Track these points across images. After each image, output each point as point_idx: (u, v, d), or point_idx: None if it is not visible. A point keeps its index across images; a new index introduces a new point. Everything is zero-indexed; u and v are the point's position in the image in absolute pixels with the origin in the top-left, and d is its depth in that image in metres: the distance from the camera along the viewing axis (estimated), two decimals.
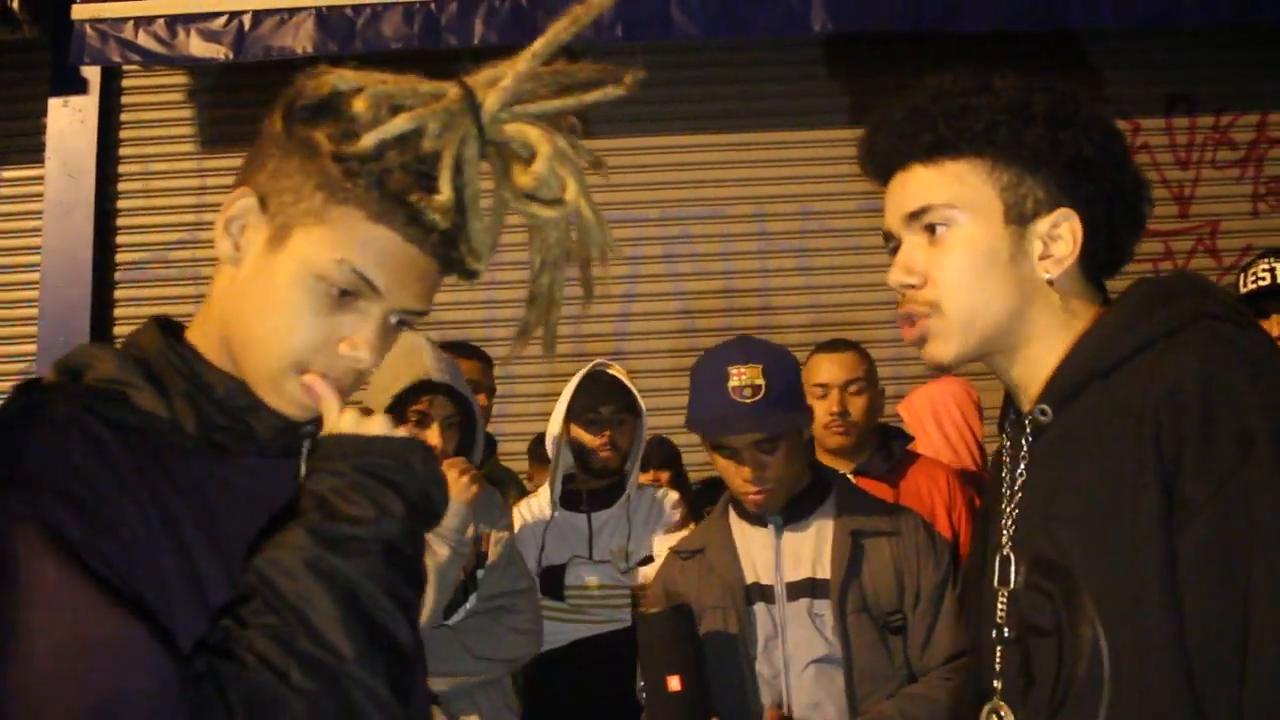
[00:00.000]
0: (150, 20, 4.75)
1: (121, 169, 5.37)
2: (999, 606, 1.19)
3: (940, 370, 1.24)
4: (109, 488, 0.94)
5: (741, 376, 2.13)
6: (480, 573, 2.60)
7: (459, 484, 2.46)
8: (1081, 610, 1.08)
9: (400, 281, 1.03)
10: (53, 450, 0.94)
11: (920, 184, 1.20)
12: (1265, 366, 1.04)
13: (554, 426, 3.10)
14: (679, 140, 5.35)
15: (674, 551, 2.40)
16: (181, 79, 5.39)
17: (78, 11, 4.76)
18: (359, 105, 1.00)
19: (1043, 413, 1.18)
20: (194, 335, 1.10)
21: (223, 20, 4.72)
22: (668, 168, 5.34)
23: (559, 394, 3.16)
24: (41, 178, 5.27)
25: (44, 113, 5.27)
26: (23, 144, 5.33)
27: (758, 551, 2.25)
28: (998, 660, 1.19)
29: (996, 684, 1.19)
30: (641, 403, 3.11)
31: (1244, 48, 5.20)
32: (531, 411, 4.71)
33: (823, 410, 2.91)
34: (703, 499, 3.34)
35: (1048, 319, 1.18)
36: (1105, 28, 4.84)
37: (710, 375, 2.21)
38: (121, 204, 5.36)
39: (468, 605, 2.58)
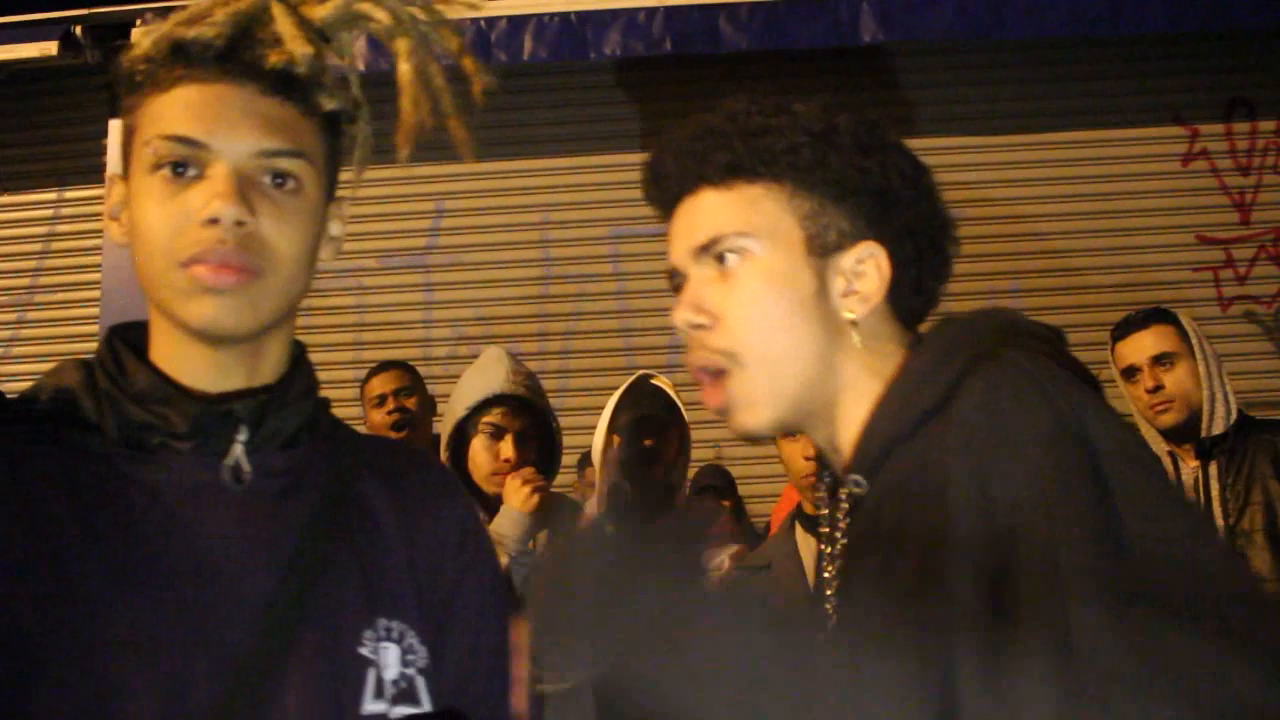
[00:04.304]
0: None
1: None
2: None
3: (749, 441, 1.07)
4: None
5: None
6: None
7: (521, 493, 2.46)
8: None
9: (220, 123, 0.98)
10: None
11: (710, 210, 1.06)
12: (1051, 392, 0.91)
13: (599, 439, 3.10)
14: None
15: (740, 566, 2.40)
16: None
17: (137, 35, 4.85)
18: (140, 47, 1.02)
19: (857, 483, 1.02)
20: (152, 328, 1.05)
21: None
22: None
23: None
24: (102, 198, 5.37)
25: (104, 134, 5.37)
26: (84, 165, 5.43)
27: None
28: None
29: None
30: (685, 413, 3.09)
31: None
32: (582, 425, 4.71)
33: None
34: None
35: (854, 366, 1.04)
36: (1162, 31, 4.76)
37: None
38: None
39: None
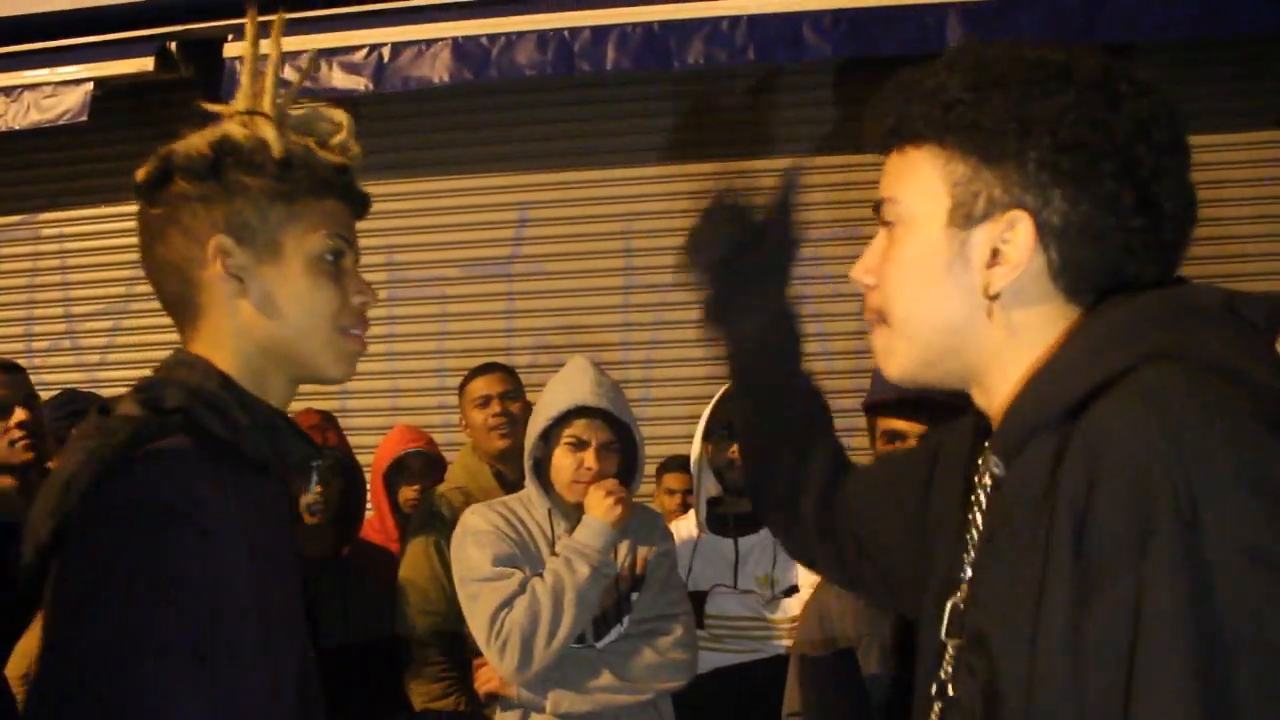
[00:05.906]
0: (295, 54, 4.90)
1: None
2: (947, 659, 1.02)
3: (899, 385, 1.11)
4: (224, 516, 1.15)
5: None
6: (635, 595, 2.58)
7: (604, 504, 2.46)
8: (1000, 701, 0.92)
9: (351, 233, 1.34)
10: (182, 482, 1.13)
11: (885, 173, 1.08)
12: (1203, 432, 0.82)
13: (695, 448, 3.09)
14: (807, 162, 5.29)
15: None
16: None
17: (229, 49, 4.96)
18: (242, 140, 1.29)
19: (996, 465, 1.01)
20: (227, 369, 1.28)
21: (363, 52, 4.85)
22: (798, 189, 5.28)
23: (690, 416, 3.15)
24: None
25: None
26: None
27: None
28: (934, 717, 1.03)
29: None
30: None
31: None
32: (664, 434, 4.70)
33: None
34: None
35: (1000, 336, 1.01)
36: (1264, 32, 4.60)
37: None
38: None
39: (620, 627, 2.55)
